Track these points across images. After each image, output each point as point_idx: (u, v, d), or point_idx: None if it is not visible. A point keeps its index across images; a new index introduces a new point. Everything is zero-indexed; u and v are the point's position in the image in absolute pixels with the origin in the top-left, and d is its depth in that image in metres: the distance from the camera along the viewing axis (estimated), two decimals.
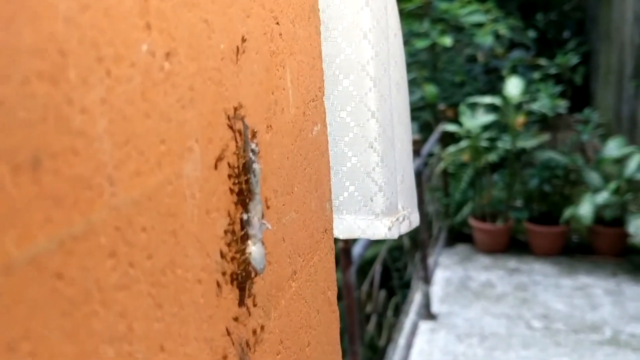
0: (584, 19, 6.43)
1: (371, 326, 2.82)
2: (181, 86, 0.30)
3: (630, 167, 3.78)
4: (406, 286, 3.63)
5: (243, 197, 0.38)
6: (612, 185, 3.76)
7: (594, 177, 3.87)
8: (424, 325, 3.32)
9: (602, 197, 3.68)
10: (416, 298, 3.43)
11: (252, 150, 0.39)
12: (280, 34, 0.44)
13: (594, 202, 3.64)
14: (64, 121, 0.22)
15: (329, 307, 0.55)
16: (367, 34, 0.57)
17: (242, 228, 0.39)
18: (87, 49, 0.23)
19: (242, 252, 0.39)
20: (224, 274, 0.36)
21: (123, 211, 0.25)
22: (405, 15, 4.63)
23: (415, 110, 4.61)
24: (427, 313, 3.36)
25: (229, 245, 0.37)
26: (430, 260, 3.74)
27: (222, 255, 0.36)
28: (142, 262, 0.27)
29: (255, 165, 0.39)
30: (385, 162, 0.60)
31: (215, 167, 0.34)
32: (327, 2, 0.56)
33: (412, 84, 4.63)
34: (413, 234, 3.69)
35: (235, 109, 0.38)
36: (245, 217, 0.39)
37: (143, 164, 0.27)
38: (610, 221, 3.80)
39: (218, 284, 0.35)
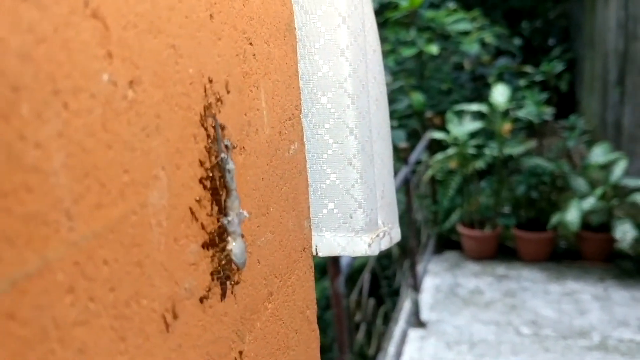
0: (568, 26, 6.51)
1: (360, 335, 2.81)
2: (146, 114, 0.30)
3: (616, 172, 3.82)
4: (395, 294, 3.63)
5: (219, 195, 0.38)
6: (598, 191, 3.80)
7: (580, 183, 3.91)
8: (414, 333, 3.31)
9: (589, 203, 3.72)
10: (405, 306, 3.43)
11: (226, 146, 0.39)
12: (254, 55, 0.44)
13: (580, 208, 3.67)
14: (16, 158, 0.22)
15: (308, 326, 0.55)
16: (344, 51, 0.57)
17: (220, 227, 0.38)
18: (43, 83, 0.23)
19: (222, 249, 0.38)
20: (195, 295, 0.35)
21: (83, 245, 0.25)
22: (392, 24, 4.66)
23: (403, 118, 4.63)
24: (417, 321, 3.36)
25: (206, 249, 0.37)
26: (419, 268, 3.75)
27: (197, 270, 0.35)
28: (103, 295, 0.26)
29: (230, 162, 0.38)
30: (364, 178, 0.60)
31: (185, 190, 0.34)
32: (304, 20, 0.56)
33: (400, 91, 4.65)
34: (402, 242, 3.70)
35: (205, 108, 0.37)
36: (224, 221, 0.38)
37: (105, 196, 0.27)
38: (597, 227, 3.83)
39: (189, 310, 0.35)
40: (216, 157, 0.38)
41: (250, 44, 0.43)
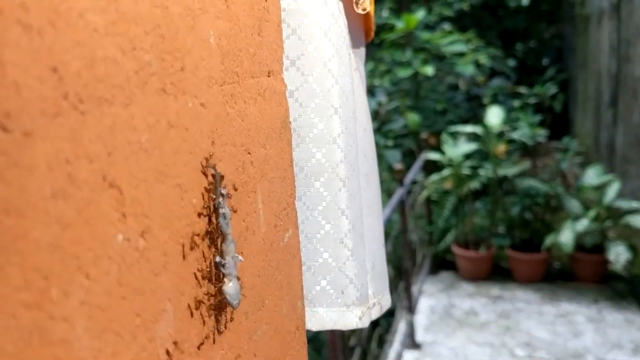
0: (562, 47, 6.60)
1: (355, 359, 2.82)
2: (155, 257, 0.33)
3: (609, 194, 3.87)
4: (390, 314, 3.65)
5: (215, 239, 0.41)
6: (592, 212, 3.84)
7: (574, 204, 3.95)
8: (408, 355, 3.33)
9: (582, 224, 3.76)
10: (400, 327, 3.45)
11: (222, 195, 0.42)
12: (252, 162, 0.48)
13: (574, 229, 3.71)
14: (47, 337, 0.25)
15: None
16: (336, 139, 0.61)
17: (217, 270, 0.41)
18: (68, 264, 0.26)
19: (219, 290, 0.41)
20: None
21: None
22: (388, 45, 4.73)
23: (398, 137, 4.69)
24: (412, 342, 3.38)
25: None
26: (415, 289, 3.77)
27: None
28: None
29: (225, 209, 0.41)
30: (355, 255, 0.64)
31: (191, 314, 0.37)
32: (299, 112, 0.60)
33: (395, 112, 4.70)
34: (397, 263, 3.73)
35: (207, 159, 0.40)
36: (218, 259, 0.41)
37: (119, 343, 0.30)
38: (591, 248, 3.87)
39: None
40: (214, 206, 0.41)
41: (249, 153, 0.47)
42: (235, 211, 0.44)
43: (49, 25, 0.25)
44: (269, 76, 0.51)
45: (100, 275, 0.29)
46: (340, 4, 0.62)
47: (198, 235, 0.39)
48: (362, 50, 0.77)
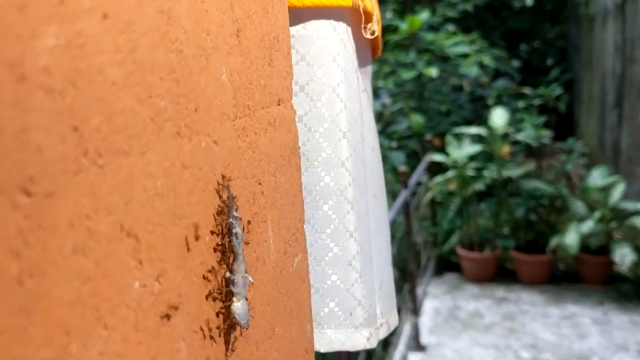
0: (566, 47, 6.58)
1: None
2: (170, 298, 0.34)
3: (614, 195, 3.86)
4: None
5: (227, 257, 0.41)
6: (597, 214, 3.83)
7: (579, 206, 3.94)
8: (413, 357, 3.33)
9: (587, 226, 3.75)
10: (405, 329, 3.46)
11: (234, 217, 0.42)
12: (262, 192, 0.48)
13: (579, 231, 3.71)
14: None
15: None
16: (344, 162, 0.62)
17: (227, 288, 0.42)
18: (88, 317, 0.27)
19: (227, 309, 0.42)
20: None
21: None
22: (392, 46, 4.73)
23: (402, 139, 4.69)
24: (416, 344, 3.38)
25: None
26: (419, 291, 3.77)
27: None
28: None
29: (238, 229, 0.42)
30: (363, 277, 0.64)
31: (203, 347, 0.38)
32: (308, 137, 0.61)
33: (399, 113, 4.70)
34: (401, 265, 3.73)
35: (223, 177, 0.41)
36: (229, 275, 0.42)
37: None
38: (596, 249, 3.87)
39: None
40: (227, 226, 0.42)
41: (260, 184, 0.48)
42: (247, 243, 0.45)
43: (70, 86, 0.26)
44: (278, 105, 0.51)
45: (118, 324, 0.29)
46: (349, 29, 0.62)
47: (210, 271, 0.39)
48: (369, 68, 0.77)
